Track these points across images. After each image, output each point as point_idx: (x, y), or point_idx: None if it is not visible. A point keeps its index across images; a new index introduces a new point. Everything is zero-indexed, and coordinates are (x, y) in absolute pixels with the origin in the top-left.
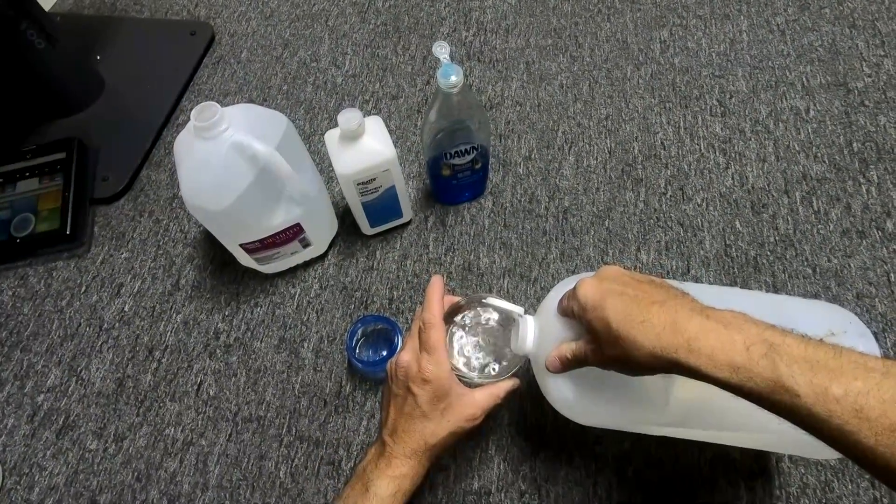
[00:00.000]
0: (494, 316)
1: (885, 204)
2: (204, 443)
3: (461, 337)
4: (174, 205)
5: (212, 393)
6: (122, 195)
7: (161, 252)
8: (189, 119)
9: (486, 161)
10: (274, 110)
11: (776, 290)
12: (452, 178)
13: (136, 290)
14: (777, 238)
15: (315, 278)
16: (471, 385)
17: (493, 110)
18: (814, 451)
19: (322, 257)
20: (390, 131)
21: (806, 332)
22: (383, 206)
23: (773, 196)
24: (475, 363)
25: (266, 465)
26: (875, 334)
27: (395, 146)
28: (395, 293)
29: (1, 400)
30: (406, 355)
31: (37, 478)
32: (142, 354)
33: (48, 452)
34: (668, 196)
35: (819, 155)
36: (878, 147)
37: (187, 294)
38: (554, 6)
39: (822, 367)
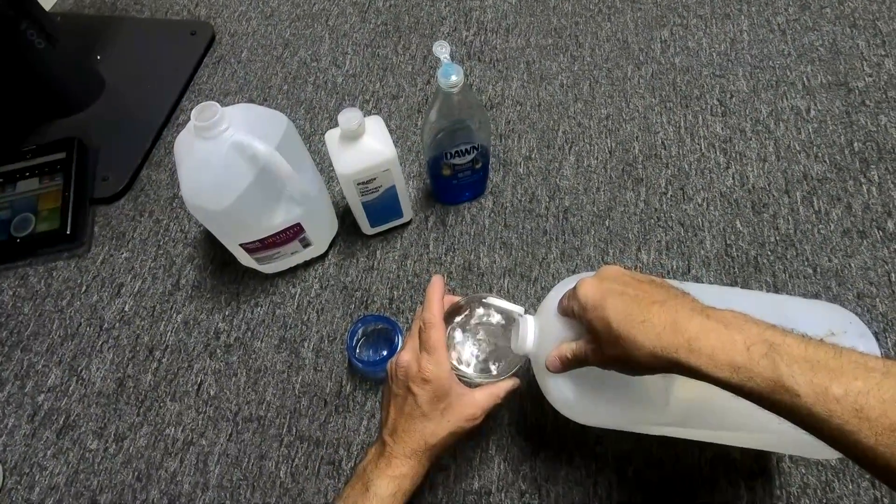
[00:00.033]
0: (495, 316)
1: (885, 204)
2: (204, 442)
3: (461, 337)
4: (174, 205)
5: (212, 393)
6: (123, 195)
7: (161, 252)
8: (189, 119)
9: (486, 161)
10: (274, 110)
11: (777, 290)
12: (453, 178)
13: (136, 289)
14: (778, 238)
15: (315, 278)
16: (471, 385)
17: (494, 110)
18: (814, 450)
19: (322, 257)
20: (391, 131)
21: (806, 332)
22: (383, 205)
23: (773, 196)
24: (475, 363)
25: (266, 464)
26: (876, 334)
27: (396, 146)
28: (395, 293)
29: (1, 400)
30: (406, 355)
31: (37, 477)
32: (142, 354)
33: (49, 452)
34: (668, 196)
35: (820, 155)
36: (879, 147)
37: (187, 294)
38: (554, 6)
39: (823, 366)
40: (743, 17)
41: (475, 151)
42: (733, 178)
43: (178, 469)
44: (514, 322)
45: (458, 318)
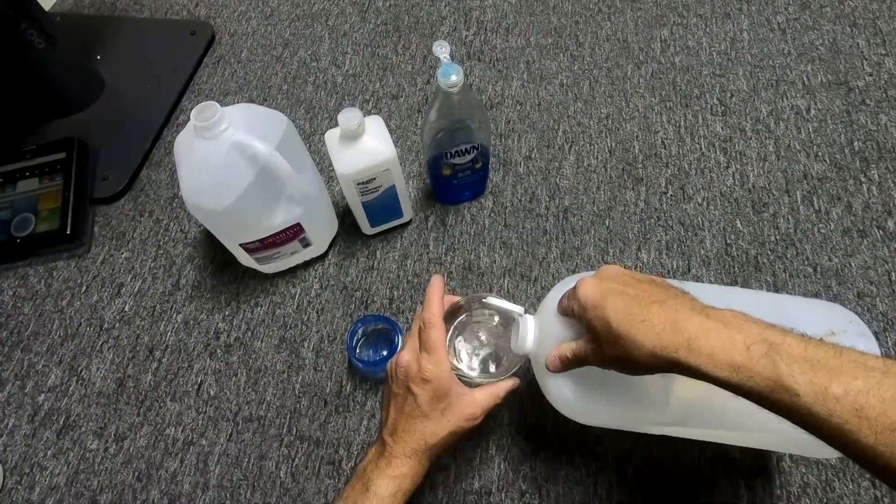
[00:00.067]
0: (494, 316)
1: (885, 203)
2: (204, 442)
3: (461, 336)
4: (174, 204)
5: (212, 393)
6: (123, 195)
7: (161, 252)
8: (189, 119)
9: (486, 160)
10: (274, 110)
11: (777, 290)
12: (453, 178)
13: (136, 289)
14: (778, 237)
15: (315, 278)
16: (471, 385)
17: (494, 110)
18: (814, 450)
19: (322, 257)
20: (390, 131)
21: (806, 332)
22: (383, 205)
23: (773, 195)
24: (475, 363)
25: (266, 464)
26: (876, 333)
27: (396, 146)
28: (395, 293)
29: (1, 400)
30: (406, 355)
31: (37, 477)
32: (142, 354)
33: (49, 452)
34: (668, 195)
35: (820, 154)
36: (879, 146)
37: (187, 294)
38: (554, 5)
39: (822, 366)
40: (743, 16)
41: (475, 151)
42: (733, 178)
43: (179, 469)
44: (513, 322)
45: (458, 318)
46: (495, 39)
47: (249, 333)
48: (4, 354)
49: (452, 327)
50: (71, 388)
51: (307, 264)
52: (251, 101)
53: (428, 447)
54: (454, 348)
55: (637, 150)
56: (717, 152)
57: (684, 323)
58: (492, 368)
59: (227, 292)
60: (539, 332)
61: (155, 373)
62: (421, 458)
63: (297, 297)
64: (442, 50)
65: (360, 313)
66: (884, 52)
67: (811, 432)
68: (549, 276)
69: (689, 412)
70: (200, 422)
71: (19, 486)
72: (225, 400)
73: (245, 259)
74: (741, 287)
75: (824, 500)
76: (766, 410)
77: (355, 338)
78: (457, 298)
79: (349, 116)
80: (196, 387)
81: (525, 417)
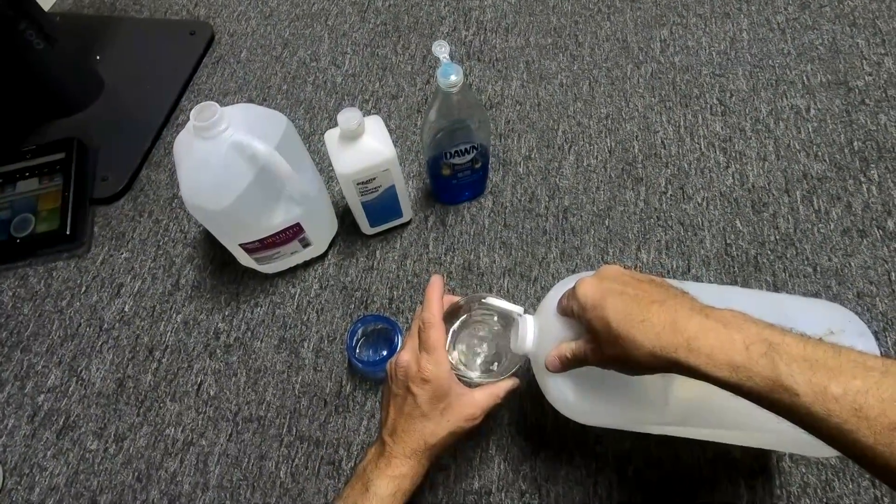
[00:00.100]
0: (494, 316)
1: (885, 203)
2: (204, 443)
3: (461, 337)
4: (174, 205)
5: (212, 393)
6: (122, 195)
7: (161, 252)
8: (189, 119)
9: (485, 160)
10: (273, 110)
11: (777, 290)
12: (452, 178)
13: (136, 290)
14: (777, 237)
15: (315, 278)
16: (470, 385)
17: (493, 110)
18: (813, 449)
19: (322, 257)
20: (390, 131)
21: (805, 331)
22: (383, 205)
23: (773, 195)
24: (475, 363)
25: (266, 464)
26: (876, 333)
27: (395, 146)
28: (395, 293)
29: (1, 400)
30: (405, 355)
31: (37, 478)
32: (142, 354)
33: (48, 453)
34: (668, 195)
35: (819, 154)
36: (879, 146)
37: (187, 294)
38: (554, 5)
39: (821, 365)
40: (742, 16)
41: (475, 151)
42: (733, 178)
43: (178, 469)
44: (513, 322)
45: (457, 318)
46: (495, 39)
47: (249, 333)
48: (4, 355)
49: (452, 327)
50: (71, 389)
51: (307, 264)
52: (251, 101)
53: (427, 447)
54: (454, 348)
55: (637, 150)
56: (717, 152)
57: (684, 323)
58: (492, 368)
59: (226, 292)
60: (539, 332)
61: (155, 373)
62: (420, 459)
63: (296, 297)
64: (441, 50)
65: (360, 313)
66: (883, 51)
67: (810, 432)
68: (549, 276)
69: (688, 412)
70: (200, 422)
71: (19, 487)
72: (225, 400)
73: (245, 259)
74: (741, 287)
75: (824, 500)
76: (766, 410)
77: (355, 338)
78: (456, 298)
79: (349, 116)
80: (196, 387)
81: (525, 417)
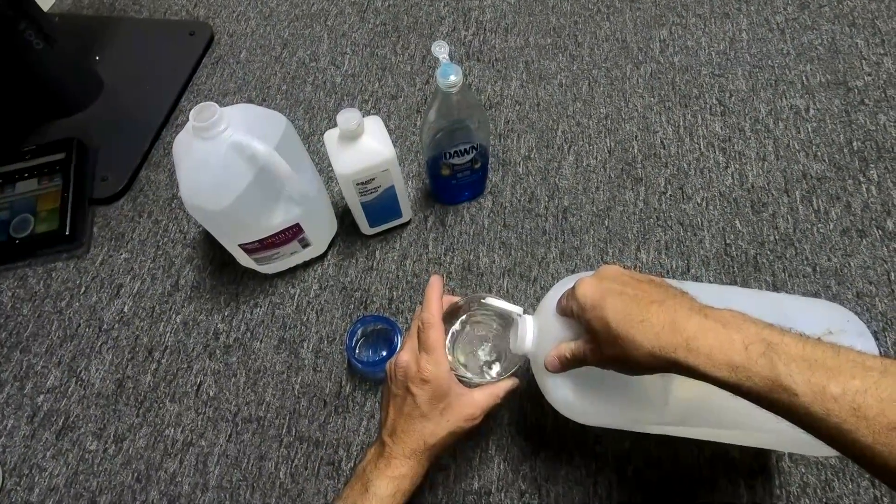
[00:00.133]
0: (493, 316)
1: (885, 203)
2: (204, 443)
3: (460, 337)
4: (173, 205)
5: (211, 393)
6: (122, 195)
7: (160, 252)
8: (188, 119)
9: (485, 161)
10: (273, 110)
11: (776, 290)
12: (452, 178)
13: (135, 290)
14: (777, 237)
15: (314, 278)
16: (470, 385)
17: (493, 110)
18: (813, 449)
19: (321, 257)
20: (389, 131)
21: (804, 331)
22: (383, 206)
23: (772, 195)
24: (474, 363)
25: (266, 465)
26: (875, 333)
27: (395, 146)
28: (394, 293)
29: (1, 401)
30: (405, 355)
31: (37, 479)
32: (141, 355)
33: (48, 453)
34: (667, 195)
35: (819, 154)
36: (878, 146)
37: (187, 295)
38: (553, 5)
39: (820, 365)
40: (742, 16)
41: (474, 151)
42: (732, 178)
43: (178, 470)
44: (513, 322)
45: (457, 319)
46: (494, 39)
47: (249, 334)
48: (3, 355)
49: (452, 328)
50: (70, 389)
51: (306, 265)
52: (250, 101)
53: (427, 447)
54: (453, 348)
55: (636, 150)
56: (717, 152)
57: (683, 323)
58: (491, 368)
59: (226, 293)
60: (538, 332)
61: (154, 374)
62: (420, 459)
63: (296, 297)
64: (441, 50)
65: (360, 314)
66: (882, 51)
67: (810, 432)
68: (549, 276)
69: (688, 412)
70: (200, 422)
71: (18, 488)
72: (224, 401)
73: (244, 260)
74: (740, 287)
75: (824, 500)
76: (765, 410)
77: (354, 338)
78: (456, 299)
79: (348, 117)
80: (195, 387)
81: (524, 417)
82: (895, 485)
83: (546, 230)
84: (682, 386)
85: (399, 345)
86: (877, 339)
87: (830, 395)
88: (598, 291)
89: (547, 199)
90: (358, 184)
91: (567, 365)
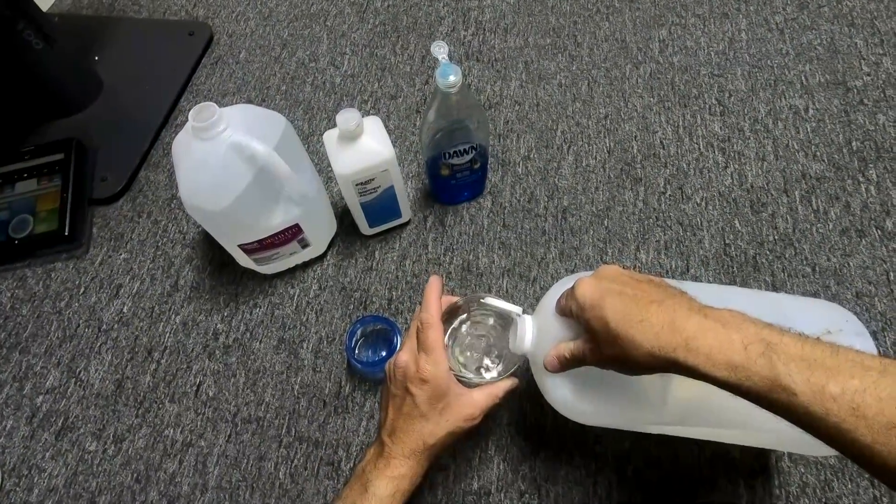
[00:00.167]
0: (493, 316)
1: (884, 203)
2: (203, 444)
3: (460, 337)
4: (173, 205)
5: (211, 394)
6: (121, 196)
7: (160, 253)
8: (187, 119)
9: (484, 161)
10: (272, 110)
11: (775, 290)
12: (451, 178)
13: (134, 291)
14: (776, 237)
15: (314, 279)
16: (469, 385)
17: (492, 110)
18: (812, 448)
19: (321, 258)
20: (389, 131)
21: (804, 331)
22: (382, 206)
23: (772, 195)
24: (474, 363)
25: (265, 465)
26: (874, 333)
27: (394, 146)
28: (394, 293)
29: (0, 401)
30: (404, 355)
31: (36, 479)
32: (141, 355)
33: (47, 454)
34: (667, 195)
35: (818, 154)
36: (878, 146)
37: (186, 295)
38: (552, 5)
39: (820, 365)
40: (741, 16)
41: (473, 151)
42: (732, 178)
43: (177, 470)
44: (512, 322)
45: (456, 319)
46: (493, 40)
47: (248, 334)
48: (3, 356)
49: (451, 328)
50: (69, 390)
51: (306, 265)
52: (249, 101)
53: (426, 447)
54: (452, 349)
55: (636, 151)
56: (716, 152)
57: (682, 323)
58: (490, 368)
59: (225, 293)
60: (537, 332)
61: (153, 374)
62: (419, 459)
63: (295, 297)
64: (440, 50)
65: (359, 314)
66: (882, 51)
67: (809, 431)
68: (548, 276)
69: (687, 412)
70: (199, 423)
71: (18, 488)
72: (224, 401)
73: (244, 260)
74: (739, 287)
75: (823, 500)
76: (764, 410)
77: (354, 338)
78: (455, 299)
79: (348, 117)
80: (195, 388)
81: (524, 417)
82: (894, 484)
83: (545, 230)
84: (682, 386)
85: (398, 345)
86: (876, 338)
87: (829, 394)
88: (598, 291)
89: (546, 200)
90: (357, 184)
91: (566, 365)
